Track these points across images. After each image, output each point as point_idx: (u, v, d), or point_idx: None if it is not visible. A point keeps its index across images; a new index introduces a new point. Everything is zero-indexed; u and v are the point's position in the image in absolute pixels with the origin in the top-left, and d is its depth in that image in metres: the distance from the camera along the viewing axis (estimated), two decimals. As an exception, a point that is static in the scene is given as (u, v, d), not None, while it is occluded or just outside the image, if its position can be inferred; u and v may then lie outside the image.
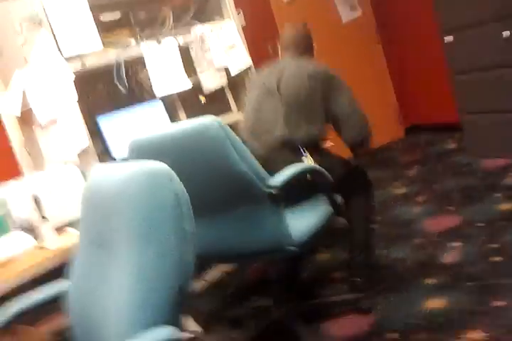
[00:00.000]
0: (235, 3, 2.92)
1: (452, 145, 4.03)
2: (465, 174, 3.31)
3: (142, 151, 1.72)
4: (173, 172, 1.06)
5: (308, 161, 2.20)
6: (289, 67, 2.27)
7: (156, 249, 0.98)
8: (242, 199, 1.73)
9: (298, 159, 2.06)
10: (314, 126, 2.17)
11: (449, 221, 2.70)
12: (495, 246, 2.28)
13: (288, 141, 2.13)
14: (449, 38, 3.40)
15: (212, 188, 1.72)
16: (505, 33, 3.03)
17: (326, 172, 1.89)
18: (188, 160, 1.66)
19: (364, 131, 2.22)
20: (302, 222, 1.84)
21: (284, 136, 2.13)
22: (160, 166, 1.06)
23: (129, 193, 1.04)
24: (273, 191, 1.67)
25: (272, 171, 1.78)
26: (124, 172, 1.09)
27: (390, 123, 4.73)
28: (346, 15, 4.41)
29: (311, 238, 1.80)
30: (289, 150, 2.12)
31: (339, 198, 2.03)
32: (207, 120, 1.60)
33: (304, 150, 2.15)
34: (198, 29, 2.74)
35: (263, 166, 1.75)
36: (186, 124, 1.68)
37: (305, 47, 2.39)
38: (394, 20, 4.52)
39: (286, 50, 2.39)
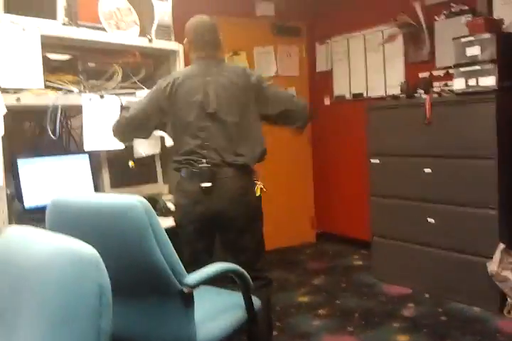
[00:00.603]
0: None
1: (358, 262, 4.10)
2: (367, 295, 3.33)
3: (62, 213, 1.60)
4: (100, 259, 0.93)
5: (259, 187, 2.25)
6: (215, 78, 2.20)
7: None
8: (153, 290, 1.60)
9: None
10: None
11: (346, 342, 2.65)
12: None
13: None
14: (375, 161, 3.59)
15: (124, 270, 1.57)
16: (427, 169, 3.24)
17: (248, 277, 1.78)
18: (105, 235, 1.53)
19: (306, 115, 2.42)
20: (213, 325, 1.71)
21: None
22: (88, 251, 0.94)
23: (50, 274, 0.90)
24: (185, 289, 1.55)
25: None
26: (47, 246, 0.96)
27: (304, 226, 4.81)
28: None
29: None
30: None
31: (257, 302, 1.90)
32: (133, 200, 1.48)
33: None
34: (144, 93, 2.66)
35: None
36: (110, 199, 1.57)
37: (220, 44, 2.33)
38: (328, 130, 4.75)
39: (202, 51, 2.29)
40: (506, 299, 2.86)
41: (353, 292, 3.39)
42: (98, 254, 0.93)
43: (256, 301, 1.89)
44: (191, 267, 1.70)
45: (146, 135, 2.43)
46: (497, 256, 2.83)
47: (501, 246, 2.84)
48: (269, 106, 2.25)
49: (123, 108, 2.51)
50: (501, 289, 2.85)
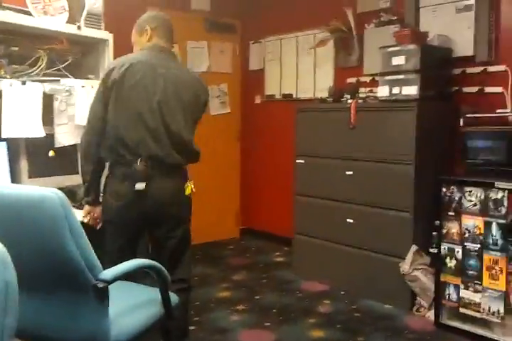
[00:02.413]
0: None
1: (280, 259, 4.19)
2: (286, 291, 3.40)
3: None
4: (7, 255, 0.90)
5: (189, 187, 2.23)
6: (167, 71, 2.15)
7: None
8: (67, 285, 1.58)
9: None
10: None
11: (263, 337, 2.70)
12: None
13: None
14: (301, 161, 3.68)
15: (37, 264, 1.54)
16: (349, 171, 3.37)
17: (166, 273, 1.79)
18: (18, 227, 1.49)
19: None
20: (128, 320, 1.70)
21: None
22: None
23: None
24: (100, 284, 1.53)
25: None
26: None
27: (228, 222, 4.84)
28: (215, 108, 4.72)
29: (132, 339, 1.67)
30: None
31: (175, 298, 1.90)
32: (48, 192, 1.44)
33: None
34: (69, 81, 2.61)
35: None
36: (26, 190, 1.51)
37: (172, 34, 2.34)
38: (257, 128, 4.81)
39: (162, 39, 2.26)
40: (416, 298, 3.02)
41: (272, 288, 3.46)
42: (5, 250, 0.90)
43: (173, 297, 1.89)
44: (115, 264, 1.68)
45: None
46: (409, 256, 2.98)
47: (414, 247, 2.99)
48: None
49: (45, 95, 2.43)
50: (412, 288, 3.01)
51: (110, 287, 1.57)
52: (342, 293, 3.36)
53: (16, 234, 1.45)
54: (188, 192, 2.21)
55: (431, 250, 2.91)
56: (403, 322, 2.91)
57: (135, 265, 1.71)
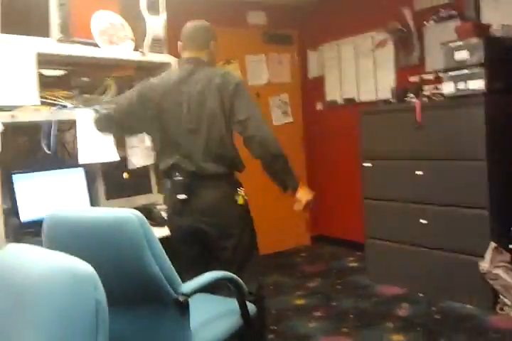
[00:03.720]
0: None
1: (353, 264, 4.16)
2: (362, 296, 3.38)
3: (59, 227, 1.63)
4: (97, 277, 0.97)
5: (241, 196, 2.19)
6: (190, 88, 2.16)
7: None
8: (149, 300, 1.63)
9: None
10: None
11: (342, 344, 2.71)
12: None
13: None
14: (368, 164, 3.65)
15: (120, 282, 1.60)
16: (419, 172, 3.30)
17: (243, 284, 1.82)
18: (101, 248, 1.56)
19: (273, 145, 2.12)
20: (208, 332, 1.74)
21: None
22: (86, 269, 0.96)
23: (47, 293, 0.93)
24: (180, 298, 1.59)
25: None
26: (44, 264, 0.98)
27: (299, 229, 4.87)
28: (277, 118, 4.75)
29: None
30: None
31: (253, 308, 1.93)
32: (128, 214, 1.52)
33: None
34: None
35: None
36: (106, 212, 1.60)
37: (206, 45, 2.27)
38: (321, 136, 4.81)
39: (185, 50, 2.28)
40: (498, 296, 2.91)
41: (348, 293, 3.45)
42: (94, 271, 0.95)
43: (251, 307, 1.91)
44: (184, 276, 1.75)
45: (131, 129, 2.43)
46: (488, 254, 2.88)
47: (492, 244, 2.89)
48: (232, 115, 2.14)
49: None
50: (493, 287, 2.91)
51: (190, 300, 1.61)
52: (420, 295, 3.29)
53: (98, 255, 1.48)
54: (240, 201, 2.18)
55: (510, 246, 2.79)
56: (486, 322, 2.82)
57: (212, 277, 1.74)
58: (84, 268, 0.96)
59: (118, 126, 2.38)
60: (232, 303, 1.87)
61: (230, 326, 1.83)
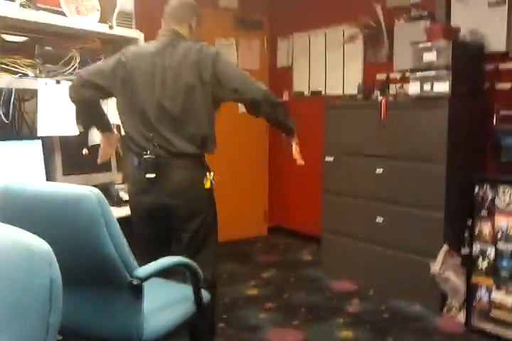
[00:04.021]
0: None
1: (308, 257, 4.18)
2: (314, 290, 3.40)
3: (13, 200, 1.57)
4: (53, 254, 0.92)
5: (209, 179, 2.17)
6: (165, 60, 2.10)
7: (11, 338, 0.85)
8: (102, 281, 1.60)
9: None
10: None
11: (292, 336, 2.71)
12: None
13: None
14: (329, 158, 3.66)
15: (74, 260, 1.54)
16: (379, 169, 3.33)
17: (199, 271, 1.80)
18: (56, 225, 1.52)
19: (274, 98, 2.18)
20: (160, 317, 1.73)
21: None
22: (42, 245, 0.92)
23: (1, 268, 0.89)
24: (134, 281, 1.56)
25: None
26: None
27: (256, 219, 4.86)
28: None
29: (164, 336, 1.69)
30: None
31: (207, 295, 1.91)
32: (86, 191, 1.47)
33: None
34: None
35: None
36: (64, 188, 1.54)
37: (186, 20, 2.23)
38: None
39: (166, 24, 2.24)
40: (446, 298, 2.98)
41: (300, 286, 3.46)
42: (50, 249, 0.91)
43: (205, 295, 1.90)
44: (143, 257, 1.71)
45: (103, 90, 2.23)
46: (440, 256, 2.94)
47: (445, 247, 2.95)
48: (220, 87, 2.09)
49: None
50: (442, 289, 2.97)
51: (144, 284, 1.59)
52: (371, 292, 3.34)
53: (53, 231, 1.44)
54: (207, 185, 2.16)
55: (462, 250, 2.86)
56: (433, 323, 2.88)
57: (169, 263, 1.72)
58: (40, 244, 0.92)
59: (90, 85, 2.19)
60: (187, 289, 1.85)
61: (183, 313, 1.82)
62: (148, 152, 2.10)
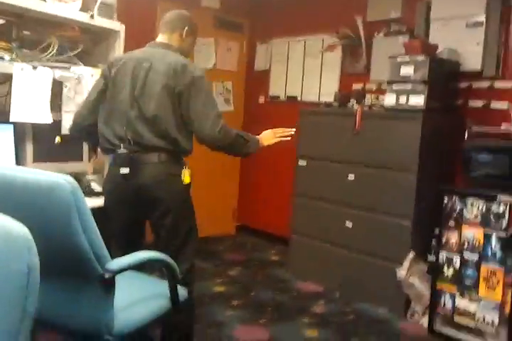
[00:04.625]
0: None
1: (275, 257, 4.22)
2: (281, 290, 3.43)
3: None
4: (31, 239, 0.90)
5: (187, 175, 2.17)
6: (151, 65, 2.14)
7: None
8: (73, 271, 1.58)
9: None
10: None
11: (258, 334, 2.73)
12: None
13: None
14: (303, 163, 3.71)
15: (46, 248, 1.43)
16: (351, 176, 3.40)
17: (176, 267, 1.79)
18: (28, 212, 1.42)
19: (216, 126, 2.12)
20: (132, 313, 1.69)
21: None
22: (21, 230, 0.90)
23: None
24: (106, 274, 1.53)
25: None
26: None
27: (225, 218, 4.87)
28: (219, 106, 4.64)
29: (134, 331, 1.67)
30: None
31: (184, 292, 1.90)
32: (60, 179, 1.43)
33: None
34: (79, 69, 2.60)
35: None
36: (37, 175, 1.49)
37: (177, 24, 2.29)
38: (259, 128, 4.78)
39: (159, 33, 2.31)
40: (410, 304, 3.06)
41: (267, 285, 3.49)
42: (29, 233, 0.89)
43: (182, 291, 1.87)
44: (119, 250, 1.69)
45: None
46: (407, 263, 3.02)
47: (412, 254, 3.04)
48: (184, 109, 2.13)
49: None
50: (407, 294, 3.05)
51: (119, 277, 1.57)
52: (337, 294, 3.39)
53: (22, 218, 1.40)
54: (187, 180, 2.17)
55: (429, 257, 2.95)
56: (397, 327, 2.96)
57: (143, 257, 1.70)
58: (20, 229, 0.90)
59: (83, 129, 2.31)
60: (163, 285, 1.82)
61: (158, 308, 1.79)
62: (122, 147, 2.11)
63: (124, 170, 2.10)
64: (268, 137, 2.44)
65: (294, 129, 2.42)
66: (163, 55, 2.19)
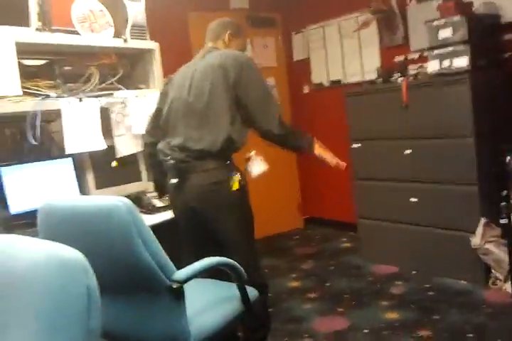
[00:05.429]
0: (163, 73, 2.93)
1: (346, 245, 4.20)
2: (356, 276, 3.42)
3: (52, 217, 1.64)
4: (86, 262, 0.96)
5: (236, 180, 2.11)
6: (198, 66, 2.20)
7: None
8: (142, 287, 1.63)
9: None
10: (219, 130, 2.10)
11: (337, 323, 2.73)
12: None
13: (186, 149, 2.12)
14: (357, 145, 3.66)
15: (113, 270, 1.60)
16: (407, 151, 3.31)
17: (241, 269, 1.79)
18: (91, 236, 1.57)
19: (274, 120, 2.13)
20: (206, 318, 1.73)
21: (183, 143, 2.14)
22: (76, 255, 0.96)
23: (37, 280, 0.92)
24: (174, 285, 1.58)
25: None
26: (33, 252, 0.98)
27: (291, 213, 4.89)
28: None
29: (212, 336, 1.70)
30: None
31: (254, 293, 1.91)
32: (115, 201, 1.51)
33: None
34: (122, 93, 2.71)
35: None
36: (95, 201, 1.60)
37: (219, 31, 2.32)
38: (308, 119, 4.80)
39: (207, 42, 2.36)
40: (490, 271, 2.96)
41: (341, 274, 3.48)
42: (84, 257, 0.95)
43: (252, 292, 1.89)
44: (191, 260, 1.73)
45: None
46: (480, 230, 2.92)
47: (483, 220, 2.92)
48: (238, 99, 2.10)
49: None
50: (485, 262, 2.95)
51: (188, 286, 1.60)
52: (413, 273, 3.33)
53: (89, 244, 1.49)
54: (235, 186, 2.11)
55: (501, 221, 2.82)
56: (480, 296, 2.86)
57: (208, 263, 1.72)
58: (73, 254, 0.96)
59: (152, 145, 2.39)
60: (232, 288, 1.84)
61: (230, 311, 1.81)
62: (169, 157, 2.16)
63: (174, 181, 2.16)
64: (323, 149, 2.36)
65: (346, 165, 2.38)
66: (210, 53, 2.24)
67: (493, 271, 2.94)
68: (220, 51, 2.24)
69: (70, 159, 2.51)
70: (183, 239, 2.29)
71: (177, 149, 2.15)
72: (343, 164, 2.32)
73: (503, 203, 2.76)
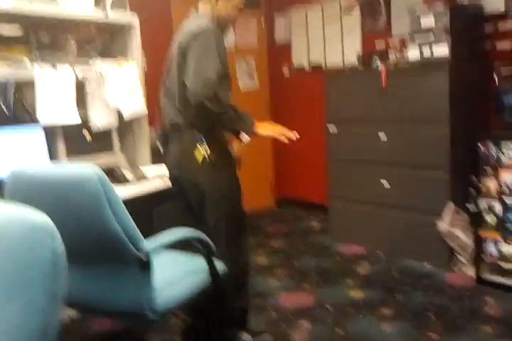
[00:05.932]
0: (143, 44, 2.92)
1: (316, 225, 4.26)
2: (324, 255, 3.48)
3: (21, 184, 1.63)
4: (54, 227, 0.94)
5: (200, 152, 2.03)
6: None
7: (16, 309, 0.86)
8: (110, 257, 1.64)
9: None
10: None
11: (302, 299, 2.79)
12: (340, 332, 2.38)
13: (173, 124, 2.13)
14: (333, 128, 3.69)
15: (82, 238, 1.61)
16: (382, 135, 3.36)
17: (211, 242, 1.81)
18: (62, 204, 1.56)
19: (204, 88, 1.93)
20: (174, 289, 1.75)
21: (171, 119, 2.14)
22: (43, 219, 0.94)
23: (2, 242, 0.90)
24: (142, 256, 1.59)
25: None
26: (0, 214, 0.96)
27: (264, 193, 4.93)
28: (244, 84, 4.73)
29: (176, 307, 1.74)
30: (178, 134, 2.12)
31: (222, 266, 1.93)
32: (88, 170, 1.50)
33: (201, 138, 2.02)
34: (99, 64, 2.66)
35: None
36: (67, 169, 1.59)
37: None
38: (287, 102, 4.81)
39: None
40: (454, 255, 3.05)
41: (310, 253, 3.54)
42: (51, 222, 0.94)
43: (220, 266, 1.91)
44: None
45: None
46: (447, 214, 3.00)
47: (451, 205, 3.00)
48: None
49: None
50: (450, 246, 3.03)
51: (157, 257, 1.63)
52: (380, 254, 3.41)
53: (58, 211, 1.49)
54: (199, 158, 2.05)
55: (468, 206, 2.91)
56: (443, 279, 2.95)
57: (176, 236, 1.74)
58: (41, 218, 0.94)
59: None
60: (201, 261, 1.86)
61: (197, 283, 1.83)
62: (159, 126, 2.24)
63: (161, 149, 2.26)
64: (265, 127, 2.14)
65: (298, 136, 2.16)
66: (187, 25, 2.15)
67: (457, 255, 3.03)
68: (190, 22, 2.14)
69: (41, 129, 2.45)
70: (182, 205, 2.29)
71: (162, 119, 2.24)
72: (294, 133, 2.13)
73: (472, 189, 2.84)
